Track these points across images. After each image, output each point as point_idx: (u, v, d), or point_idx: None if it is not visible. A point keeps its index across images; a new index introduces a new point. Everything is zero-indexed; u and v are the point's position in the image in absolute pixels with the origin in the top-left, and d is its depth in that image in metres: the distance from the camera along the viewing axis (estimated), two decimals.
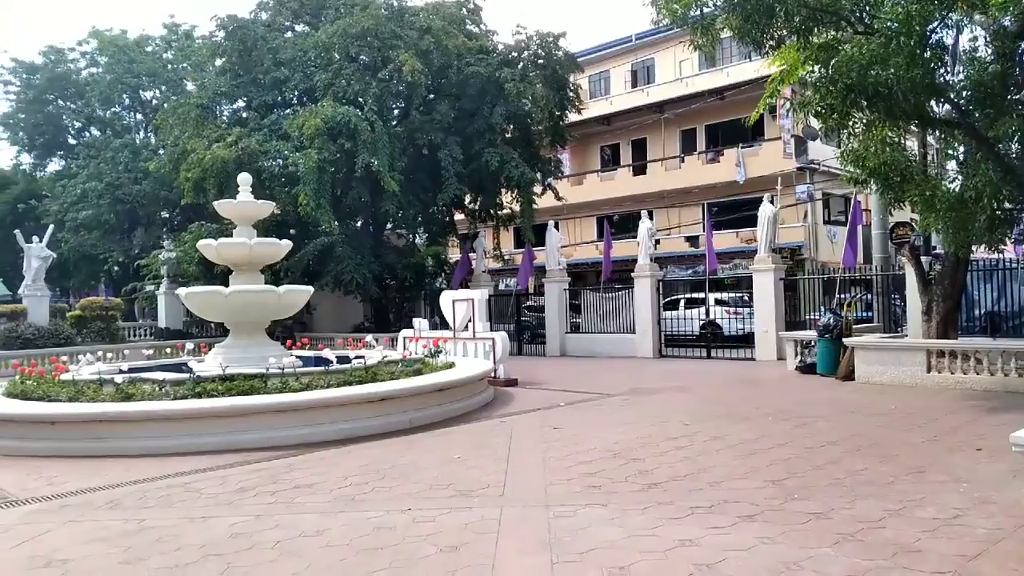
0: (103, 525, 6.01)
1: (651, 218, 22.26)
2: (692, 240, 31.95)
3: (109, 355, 13.07)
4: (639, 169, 35.48)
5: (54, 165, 40.31)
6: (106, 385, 9.87)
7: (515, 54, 24.77)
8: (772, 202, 19.51)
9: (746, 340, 19.93)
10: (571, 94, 26.12)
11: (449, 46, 22.93)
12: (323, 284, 21.92)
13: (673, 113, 33.22)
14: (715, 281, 23.74)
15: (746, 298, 21.62)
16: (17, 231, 25.64)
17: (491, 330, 15.64)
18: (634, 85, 36.69)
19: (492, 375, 13.73)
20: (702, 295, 22.70)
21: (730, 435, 8.93)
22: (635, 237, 22.03)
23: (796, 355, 16.21)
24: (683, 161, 33.58)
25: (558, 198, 27.23)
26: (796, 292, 19.60)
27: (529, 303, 26.25)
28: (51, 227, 26.69)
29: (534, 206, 25.13)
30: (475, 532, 5.51)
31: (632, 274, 21.19)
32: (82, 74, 37.99)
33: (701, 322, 21.99)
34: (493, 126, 23.64)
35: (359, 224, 26.45)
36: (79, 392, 9.79)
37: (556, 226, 24.31)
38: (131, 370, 11.26)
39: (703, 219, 30.47)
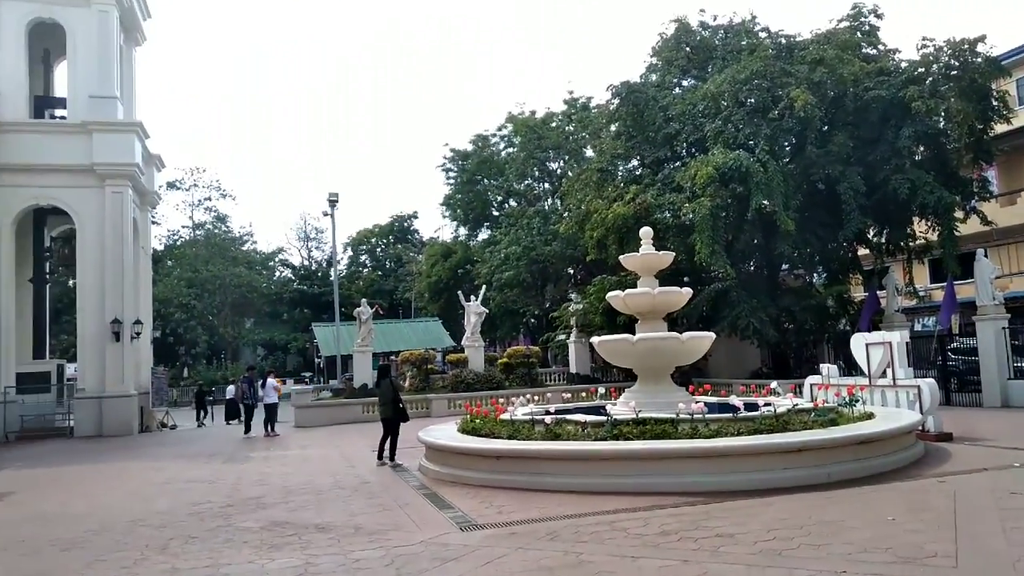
0: (546, 555, 6.71)
1: None
2: None
3: (536, 398, 14.70)
4: None
5: (482, 234, 47.32)
6: (537, 425, 11.10)
7: (922, 69, 22.40)
8: None
9: None
10: (995, 103, 22.70)
11: (844, 74, 21.70)
12: (719, 330, 21.82)
13: None
14: None
15: None
16: (459, 292, 30.59)
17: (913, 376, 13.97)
18: None
19: (920, 428, 12.23)
20: None
21: None
22: None
23: None
24: None
25: (986, 222, 23.57)
26: None
27: (955, 345, 22.83)
28: (484, 287, 31.35)
29: (956, 233, 22.09)
30: None
31: None
32: (501, 154, 44.27)
33: None
34: (899, 150, 21.65)
35: (752, 267, 25.99)
36: (516, 431, 11.19)
37: (985, 254, 20.95)
38: (556, 412, 12.51)
39: None
